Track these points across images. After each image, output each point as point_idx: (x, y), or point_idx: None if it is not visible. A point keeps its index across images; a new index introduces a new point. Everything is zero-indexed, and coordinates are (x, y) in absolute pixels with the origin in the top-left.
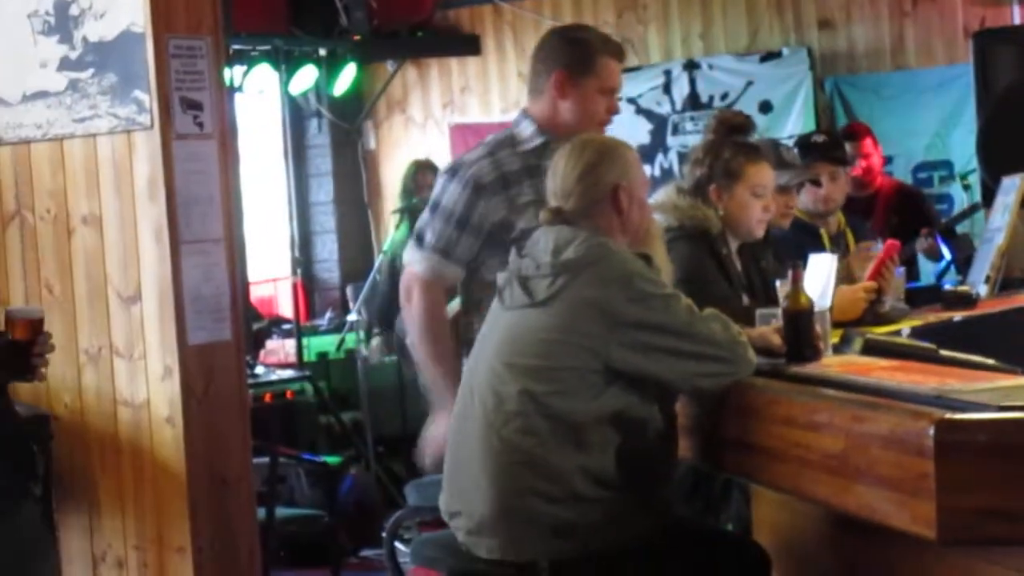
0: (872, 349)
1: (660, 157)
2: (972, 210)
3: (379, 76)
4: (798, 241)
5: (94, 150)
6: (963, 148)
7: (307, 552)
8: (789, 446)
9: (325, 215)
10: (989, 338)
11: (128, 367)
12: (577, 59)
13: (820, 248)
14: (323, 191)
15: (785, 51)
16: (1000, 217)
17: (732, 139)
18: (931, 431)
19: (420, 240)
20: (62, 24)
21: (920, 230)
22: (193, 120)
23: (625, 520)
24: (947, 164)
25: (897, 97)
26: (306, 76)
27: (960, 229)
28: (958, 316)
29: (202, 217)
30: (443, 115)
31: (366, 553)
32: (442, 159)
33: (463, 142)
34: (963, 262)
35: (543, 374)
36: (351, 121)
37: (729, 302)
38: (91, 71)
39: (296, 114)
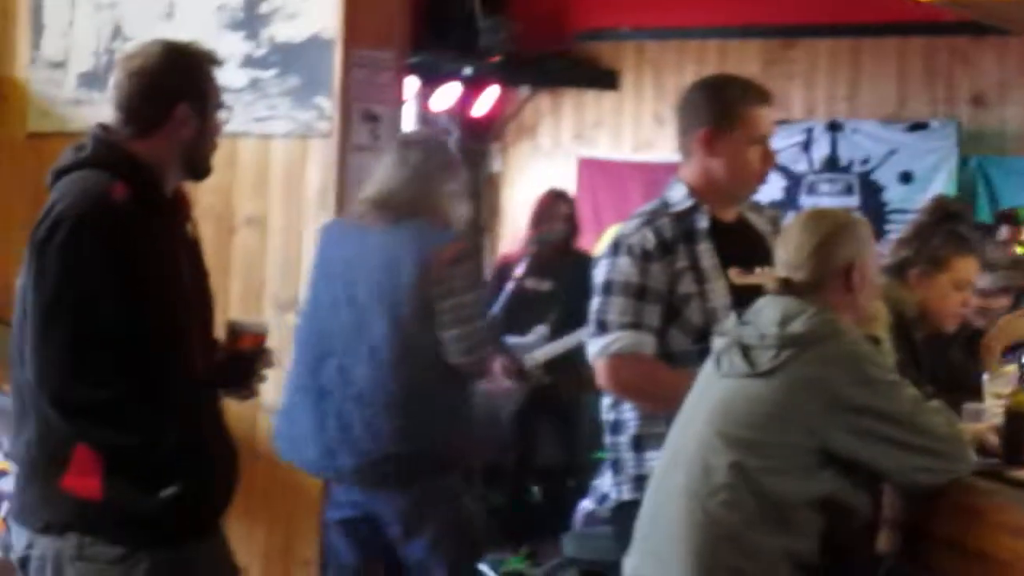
0: None
1: (791, 216)
2: None
3: (511, 100)
4: None
5: (267, 152)
6: None
7: None
8: (1017, 558)
9: None
10: None
11: (275, 375)
12: (721, 113)
13: None
14: None
15: (933, 123)
16: None
17: (945, 226)
18: None
19: (603, 325)
20: (250, 21)
21: None
22: (370, 132)
23: None
24: None
25: None
26: (449, 93)
27: None
28: None
29: None
30: (572, 147)
31: None
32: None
33: (590, 176)
34: None
35: (756, 448)
36: (479, 142)
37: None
38: (274, 71)
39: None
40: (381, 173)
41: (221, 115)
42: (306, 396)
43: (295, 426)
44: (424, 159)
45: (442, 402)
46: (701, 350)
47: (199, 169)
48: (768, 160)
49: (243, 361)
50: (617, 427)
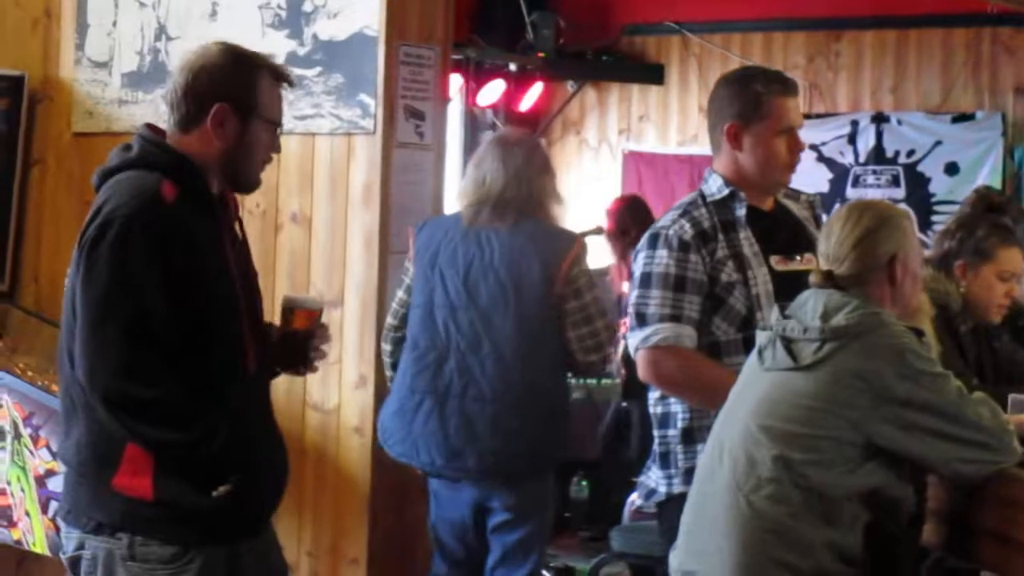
0: None
1: (837, 207)
2: None
3: (557, 95)
4: None
5: (312, 149)
6: None
7: None
8: None
9: None
10: None
11: (322, 371)
12: (745, 106)
13: None
14: None
15: (979, 114)
16: None
17: (988, 217)
18: None
19: (642, 318)
20: (293, 19)
21: None
22: (414, 129)
23: None
24: None
25: None
26: (495, 89)
27: None
28: None
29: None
30: (618, 141)
31: None
32: (612, 186)
33: (636, 171)
34: None
35: (801, 442)
36: None
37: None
38: (318, 70)
39: (472, 125)
40: (482, 174)
41: (272, 132)
42: (424, 398)
43: (412, 428)
44: (528, 159)
45: (558, 401)
46: (746, 338)
47: (240, 180)
48: (796, 149)
49: (299, 337)
50: (665, 420)
